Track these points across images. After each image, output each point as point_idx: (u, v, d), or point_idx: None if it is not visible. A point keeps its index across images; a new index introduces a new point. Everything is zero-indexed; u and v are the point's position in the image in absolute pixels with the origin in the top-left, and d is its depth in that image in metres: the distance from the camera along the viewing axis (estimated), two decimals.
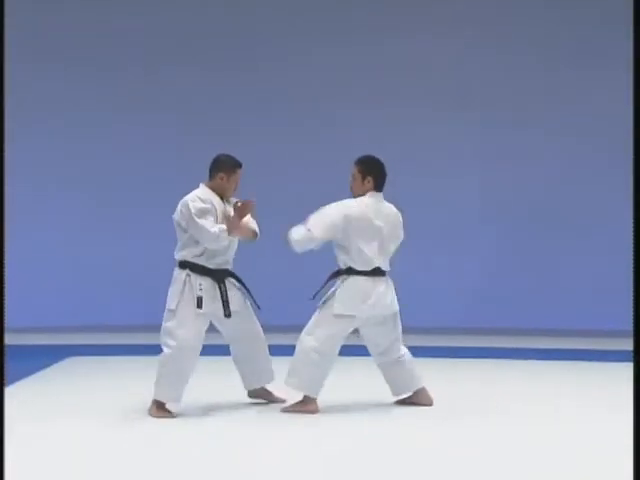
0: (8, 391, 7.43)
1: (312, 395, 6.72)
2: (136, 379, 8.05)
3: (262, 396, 7.03)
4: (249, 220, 6.72)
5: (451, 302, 12.54)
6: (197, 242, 6.57)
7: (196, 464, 5.25)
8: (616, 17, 11.95)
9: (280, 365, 6.84)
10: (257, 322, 6.89)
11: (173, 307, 6.54)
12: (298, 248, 6.69)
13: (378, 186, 6.88)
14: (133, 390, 7.48)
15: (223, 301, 6.59)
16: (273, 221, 7.50)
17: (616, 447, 5.53)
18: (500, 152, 12.72)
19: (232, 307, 6.64)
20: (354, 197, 6.88)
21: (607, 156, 12.45)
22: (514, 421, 6.46)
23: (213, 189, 6.70)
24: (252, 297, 6.81)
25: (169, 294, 6.62)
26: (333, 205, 6.75)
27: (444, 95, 12.71)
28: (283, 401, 6.89)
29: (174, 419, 6.45)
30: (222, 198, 6.70)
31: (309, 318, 6.78)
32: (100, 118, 12.65)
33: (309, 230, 6.64)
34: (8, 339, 7.75)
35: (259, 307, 6.82)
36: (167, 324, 6.55)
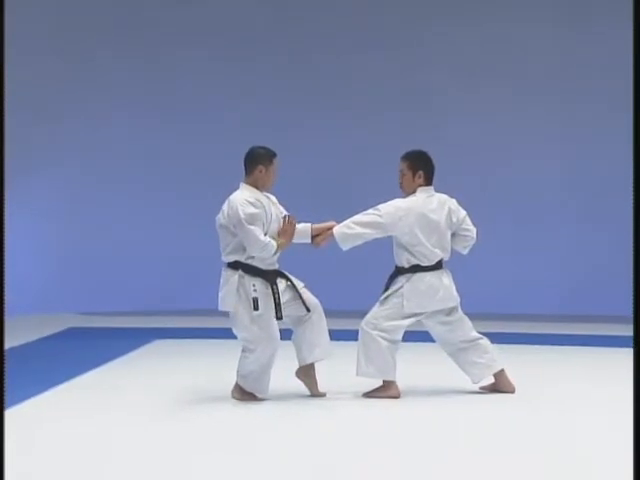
0: (100, 370, 8.01)
1: (391, 379, 6.76)
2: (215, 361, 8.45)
3: (307, 382, 6.84)
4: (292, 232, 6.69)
5: (540, 288, 12.62)
6: None
7: (267, 448, 5.38)
8: None
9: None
10: (314, 300, 6.76)
11: (230, 309, 6.55)
12: (351, 238, 6.71)
13: (428, 180, 6.86)
14: (213, 372, 7.81)
15: (276, 304, 6.52)
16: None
17: None
18: (585, 136, 12.67)
19: (284, 299, 6.58)
20: (405, 192, 6.88)
21: None
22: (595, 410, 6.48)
23: (254, 184, 6.63)
24: (302, 299, 6.67)
25: (222, 296, 6.58)
26: (393, 202, 6.79)
27: (523, 79, 12.69)
28: (323, 395, 6.83)
29: (251, 403, 6.60)
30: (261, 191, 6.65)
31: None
32: (110, 112, 12.83)
33: (377, 210, 6.71)
34: (102, 322, 8.20)
35: (308, 310, 6.67)
36: (234, 325, 6.58)
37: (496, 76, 12.73)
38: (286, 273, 6.71)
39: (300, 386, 6.85)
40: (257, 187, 6.64)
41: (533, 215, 12.74)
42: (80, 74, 12.70)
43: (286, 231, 6.61)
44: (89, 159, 12.76)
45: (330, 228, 6.81)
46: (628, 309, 10.51)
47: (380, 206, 6.78)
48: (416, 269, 6.79)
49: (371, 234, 6.79)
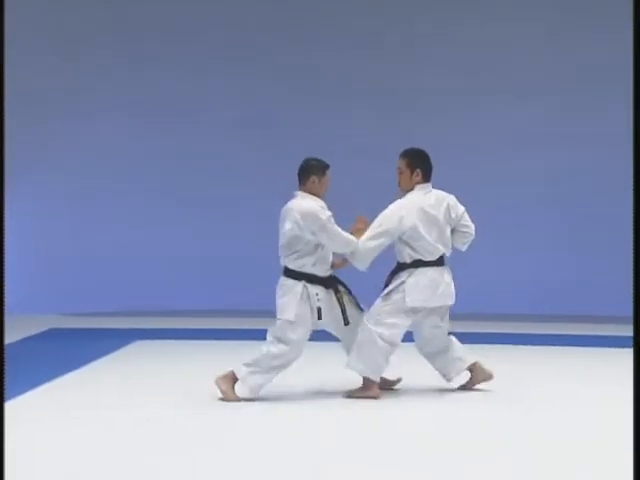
0: (81, 370, 8.01)
1: (375, 379, 6.83)
2: (199, 362, 8.46)
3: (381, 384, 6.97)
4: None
5: (512, 288, 12.61)
6: (315, 249, 6.69)
7: (261, 448, 5.40)
8: None
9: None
10: (359, 308, 6.94)
11: (292, 318, 6.62)
12: (366, 255, 6.79)
13: (426, 177, 6.94)
14: (197, 372, 7.80)
15: (342, 310, 6.74)
16: None
17: None
18: (565, 136, 12.69)
19: (337, 317, 6.76)
20: (403, 190, 6.95)
21: None
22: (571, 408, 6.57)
23: (309, 193, 6.80)
24: (357, 301, 6.89)
25: (282, 304, 6.68)
26: (389, 207, 6.87)
27: (511, 80, 12.73)
28: (399, 381, 7.11)
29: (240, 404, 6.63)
30: None
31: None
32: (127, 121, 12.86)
33: (379, 226, 6.78)
34: (82, 323, 8.21)
35: (347, 323, 6.77)
36: (283, 332, 6.64)
37: (485, 77, 12.73)
38: (339, 279, 6.88)
39: (284, 386, 6.89)
40: (314, 195, 6.82)
41: (518, 215, 12.74)
42: (79, 73, 12.72)
43: (360, 229, 6.82)
44: (73, 160, 12.76)
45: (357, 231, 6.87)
46: (618, 309, 10.89)
47: (379, 217, 6.86)
48: (418, 264, 6.84)
49: (382, 243, 6.84)
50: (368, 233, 6.83)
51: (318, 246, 6.72)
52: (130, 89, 12.82)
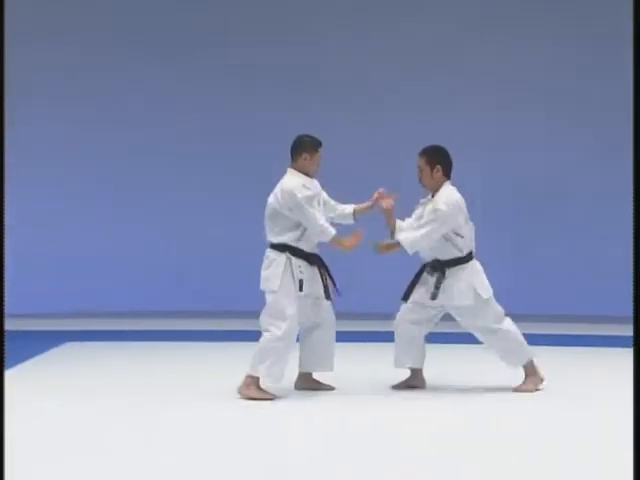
0: (7, 374, 7.77)
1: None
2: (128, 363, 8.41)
3: (310, 385, 7.07)
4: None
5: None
6: (297, 226, 6.72)
7: (207, 452, 5.30)
8: None
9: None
10: (332, 310, 7.03)
11: (275, 288, 6.68)
12: (419, 241, 6.85)
13: (447, 172, 7.02)
14: (128, 373, 7.78)
15: (324, 285, 6.80)
16: None
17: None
18: (503, 138, 12.77)
19: (317, 292, 6.83)
20: (427, 187, 7.03)
21: (607, 144, 12.53)
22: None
23: (300, 171, 6.84)
24: (335, 283, 6.92)
25: (266, 276, 6.74)
26: (445, 196, 6.90)
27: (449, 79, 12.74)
28: (333, 389, 7.06)
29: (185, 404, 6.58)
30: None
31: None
32: (124, 110, 12.82)
33: (439, 209, 6.83)
34: (7, 325, 7.94)
35: (340, 294, 6.91)
36: (274, 304, 6.69)
37: (442, 72, 12.75)
38: (322, 258, 6.89)
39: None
40: (304, 173, 6.83)
41: (519, 213, 12.78)
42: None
43: (351, 243, 6.81)
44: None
45: (369, 208, 7.01)
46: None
47: (440, 204, 6.86)
48: (461, 260, 6.97)
49: (437, 230, 6.88)
50: (426, 218, 6.90)
51: (300, 224, 6.74)
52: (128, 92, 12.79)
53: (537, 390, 7.04)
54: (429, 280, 6.98)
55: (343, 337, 7.49)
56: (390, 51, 12.74)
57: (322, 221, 6.72)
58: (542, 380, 7.10)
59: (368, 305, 11.80)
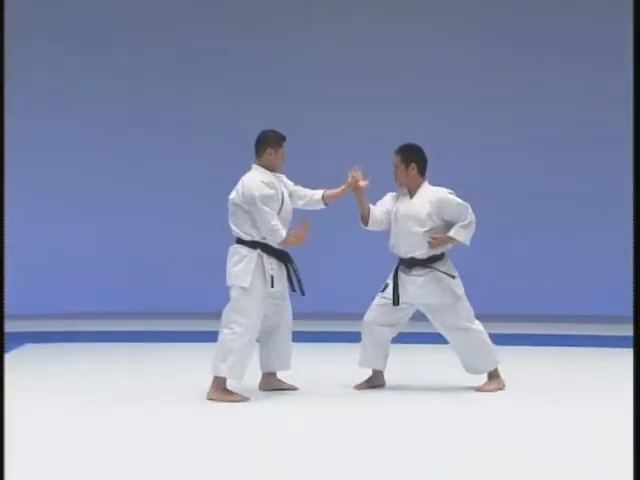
0: None
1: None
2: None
3: (275, 385, 7.07)
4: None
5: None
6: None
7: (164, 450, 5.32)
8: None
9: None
10: (291, 310, 7.05)
11: (246, 285, 6.64)
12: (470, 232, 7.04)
13: (422, 171, 7.10)
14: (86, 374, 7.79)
15: (297, 280, 6.83)
16: None
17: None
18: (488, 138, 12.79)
19: (282, 291, 6.83)
20: (401, 185, 7.10)
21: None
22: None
23: (264, 166, 6.81)
24: (300, 282, 6.90)
25: (236, 272, 6.69)
26: (451, 193, 7.05)
27: (414, 77, 12.76)
28: (296, 389, 7.05)
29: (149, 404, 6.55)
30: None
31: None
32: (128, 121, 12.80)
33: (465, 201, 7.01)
34: None
35: (303, 293, 6.89)
36: (241, 301, 6.65)
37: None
38: (290, 256, 6.89)
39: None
40: (268, 169, 6.82)
41: (517, 214, 12.74)
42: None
43: (298, 236, 6.74)
44: None
45: (342, 192, 7.01)
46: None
47: (453, 199, 7.02)
48: (443, 255, 7.12)
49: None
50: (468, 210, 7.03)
51: None
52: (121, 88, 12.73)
53: (499, 390, 7.07)
54: (405, 279, 7.03)
55: (305, 337, 7.51)
56: (363, 49, 12.75)
57: (274, 222, 6.66)
58: (504, 385, 7.14)
59: (329, 305, 11.83)
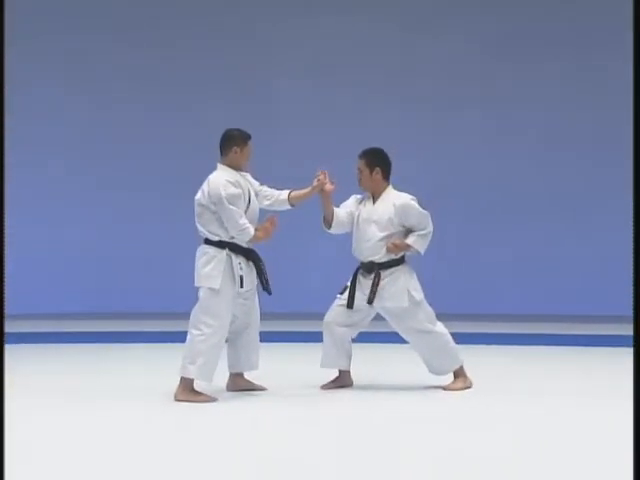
0: None
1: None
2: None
3: (243, 385, 7.07)
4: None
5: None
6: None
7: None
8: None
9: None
10: (259, 310, 7.04)
11: (216, 287, 6.61)
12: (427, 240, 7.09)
13: (387, 175, 7.12)
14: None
15: (266, 279, 6.81)
16: None
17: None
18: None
19: (251, 290, 6.83)
20: (365, 189, 7.12)
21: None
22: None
23: (230, 165, 6.80)
24: (268, 281, 6.88)
25: (206, 273, 6.66)
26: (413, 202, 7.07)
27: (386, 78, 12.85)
28: (265, 389, 7.07)
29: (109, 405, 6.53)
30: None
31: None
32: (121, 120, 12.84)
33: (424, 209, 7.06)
34: None
35: (270, 293, 6.87)
36: (210, 302, 6.63)
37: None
38: (259, 255, 6.88)
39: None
40: (233, 167, 6.79)
41: (516, 212, 12.86)
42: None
43: (266, 229, 6.71)
44: None
45: (308, 194, 6.99)
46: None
47: (413, 205, 7.06)
48: (403, 259, 7.14)
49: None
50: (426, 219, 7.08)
51: None
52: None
53: (467, 388, 7.12)
54: (363, 282, 7.08)
55: (272, 337, 7.53)
56: (330, 48, 12.85)
57: (242, 220, 6.65)
58: (471, 384, 7.19)
59: (295, 305, 11.87)
